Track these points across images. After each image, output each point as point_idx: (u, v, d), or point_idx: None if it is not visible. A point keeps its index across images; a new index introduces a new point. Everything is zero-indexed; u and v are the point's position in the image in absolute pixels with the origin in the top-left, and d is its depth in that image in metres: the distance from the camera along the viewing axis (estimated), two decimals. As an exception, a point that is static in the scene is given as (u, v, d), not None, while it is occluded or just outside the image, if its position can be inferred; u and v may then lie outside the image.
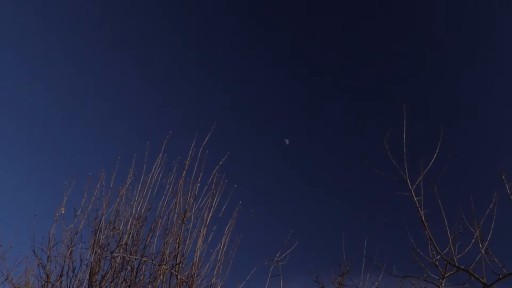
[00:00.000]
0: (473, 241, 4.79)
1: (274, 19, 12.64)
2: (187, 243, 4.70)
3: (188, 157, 4.74)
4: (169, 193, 4.72)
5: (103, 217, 4.66)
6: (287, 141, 11.70)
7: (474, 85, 11.67)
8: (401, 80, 12.26)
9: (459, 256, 4.77)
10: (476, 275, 4.55)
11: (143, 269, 4.63)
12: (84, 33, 11.93)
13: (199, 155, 4.76)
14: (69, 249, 4.60)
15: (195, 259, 4.66)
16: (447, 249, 4.76)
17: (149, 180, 4.75)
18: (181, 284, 4.48)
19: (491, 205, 4.78)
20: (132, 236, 4.70)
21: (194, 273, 4.61)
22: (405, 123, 4.84)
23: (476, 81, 11.61)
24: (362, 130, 12.27)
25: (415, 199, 4.79)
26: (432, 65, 12.07)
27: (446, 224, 4.76)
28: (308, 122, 12.65)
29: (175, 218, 4.71)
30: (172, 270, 4.54)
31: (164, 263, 4.58)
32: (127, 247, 4.66)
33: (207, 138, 4.80)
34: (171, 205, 4.74)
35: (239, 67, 12.68)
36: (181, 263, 4.63)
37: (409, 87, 12.21)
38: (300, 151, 12.57)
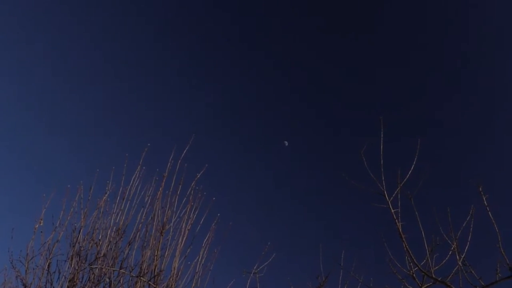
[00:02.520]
0: (450, 253, 4.79)
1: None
2: (165, 255, 4.73)
3: (167, 170, 4.78)
4: (147, 206, 4.76)
5: (81, 229, 4.69)
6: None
7: (451, 97, 11.75)
8: (379, 92, 12.32)
9: (437, 268, 4.77)
10: (453, 287, 4.56)
11: (122, 281, 4.66)
12: (57, 43, 11.85)
13: (177, 167, 4.81)
14: (47, 261, 4.62)
15: (173, 271, 4.69)
16: (424, 261, 4.76)
17: (127, 192, 4.80)
18: (159, 296, 4.51)
19: (468, 217, 4.80)
20: (111, 248, 4.73)
21: (172, 285, 4.64)
22: (382, 135, 4.87)
23: (452, 93, 11.70)
24: (339, 143, 12.28)
25: (392, 211, 4.81)
26: (410, 78, 12.12)
27: (423, 236, 4.77)
28: (287, 135, 12.66)
29: (153, 230, 4.75)
30: (150, 282, 4.57)
31: (142, 275, 4.61)
32: (106, 259, 4.69)
33: (185, 151, 4.84)
34: (150, 218, 4.77)
35: (220, 78, 12.69)
36: (159, 275, 4.65)
37: (385, 98, 12.27)
38: (279, 164, 12.58)
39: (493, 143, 10.95)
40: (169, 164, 4.82)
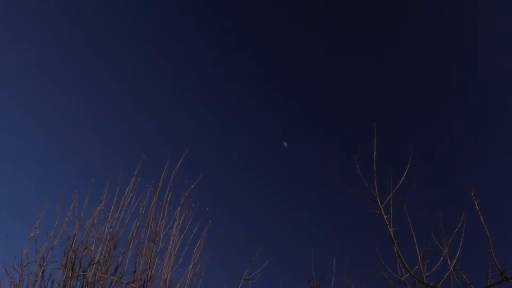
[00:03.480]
0: (442, 258, 4.81)
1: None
2: (158, 263, 4.77)
3: (161, 180, 4.83)
4: (141, 215, 4.80)
5: (75, 237, 4.73)
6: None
7: (442, 104, 11.79)
8: (371, 97, 12.35)
9: (428, 273, 4.78)
10: (445, 293, 4.58)
11: (115, 289, 4.69)
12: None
13: (171, 178, 4.85)
14: (41, 268, 4.66)
15: (165, 278, 4.72)
16: (416, 266, 4.78)
17: (122, 202, 4.84)
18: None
19: (460, 222, 4.81)
20: (104, 256, 4.77)
21: (164, 292, 4.67)
22: (375, 141, 4.90)
23: (444, 99, 11.73)
24: (332, 148, 12.28)
25: (385, 217, 4.83)
26: (402, 84, 12.15)
27: (415, 241, 4.79)
28: (278, 141, 12.69)
29: (146, 239, 4.79)
30: (143, 289, 4.60)
31: (135, 282, 4.64)
32: (99, 266, 4.73)
33: (179, 162, 4.89)
34: (143, 227, 4.82)
35: (213, 89, 12.75)
36: (151, 282, 4.69)
37: (378, 104, 12.30)
38: (270, 170, 12.60)
39: (485, 149, 10.99)
40: (163, 174, 4.87)
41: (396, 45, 12.15)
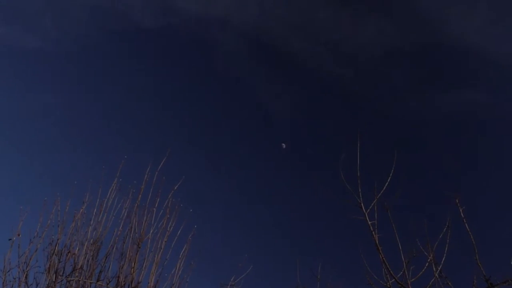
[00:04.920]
0: (426, 264, 4.80)
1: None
2: (142, 267, 4.75)
3: (143, 182, 4.80)
4: (124, 218, 4.78)
5: (58, 242, 4.71)
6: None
7: (424, 112, 11.81)
8: (355, 106, 12.36)
9: (413, 279, 4.78)
10: (430, 299, 4.58)
11: (99, 293, 4.68)
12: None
13: (154, 179, 4.82)
14: (24, 273, 4.64)
15: (150, 283, 4.71)
16: (401, 272, 4.77)
17: (104, 205, 4.81)
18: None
19: (445, 228, 4.81)
20: (88, 260, 4.75)
21: (149, 297, 4.66)
22: (359, 147, 4.89)
23: (426, 107, 11.76)
24: (316, 154, 12.24)
25: (369, 222, 4.82)
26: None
27: (400, 247, 4.78)
28: (262, 147, 12.65)
29: (130, 242, 4.76)
30: (127, 294, 4.59)
31: (119, 287, 4.63)
32: (83, 271, 4.71)
33: (162, 163, 4.86)
34: (127, 230, 4.79)
35: (194, 93, 12.72)
36: (136, 287, 4.67)
37: (362, 111, 12.29)
38: (254, 176, 12.57)
39: (470, 155, 10.99)
40: (146, 176, 4.84)
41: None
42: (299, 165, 12.18)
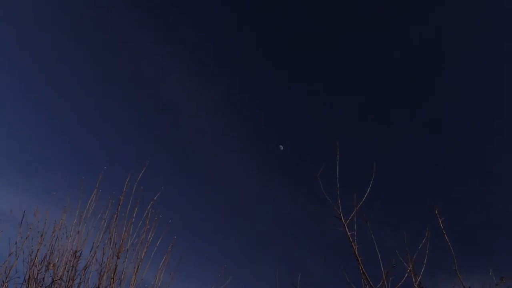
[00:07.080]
0: (406, 275, 4.80)
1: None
2: (122, 278, 4.76)
3: (123, 193, 4.81)
4: (104, 228, 4.79)
5: (37, 252, 4.72)
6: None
7: (411, 119, 11.78)
8: (334, 113, 12.35)
9: (393, 290, 4.78)
10: (409, 310, 4.57)
11: (78, 304, 4.69)
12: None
13: (133, 190, 4.83)
14: (4, 284, 4.66)
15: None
16: (381, 283, 4.77)
17: (84, 216, 4.82)
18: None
19: (424, 239, 4.80)
20: (67, 271, 4.76)
21: (128, 308, 4.66)
22: (338, 159, 4.89)
23: (412, 115, 11.74)
24: (296, 165, 12.21)
25: (349, 233, 4.82)
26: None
27: (380, 258, 4.78)
28: (242, 156, 12.64)
29: (110, 253, 4.77)
30: (106, 305, 4.59)
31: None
32: (62, 282, 4.72)
33: (141, 174, 4.87)
34: (106, 240, 4.80)
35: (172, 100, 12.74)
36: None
37: (342, 120, 12.28)
38: (233, 187, 12.56)
39: (449, 165, 10.97)
40: (125, 187, 4.85)
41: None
42: (279, 175, 12.21)
